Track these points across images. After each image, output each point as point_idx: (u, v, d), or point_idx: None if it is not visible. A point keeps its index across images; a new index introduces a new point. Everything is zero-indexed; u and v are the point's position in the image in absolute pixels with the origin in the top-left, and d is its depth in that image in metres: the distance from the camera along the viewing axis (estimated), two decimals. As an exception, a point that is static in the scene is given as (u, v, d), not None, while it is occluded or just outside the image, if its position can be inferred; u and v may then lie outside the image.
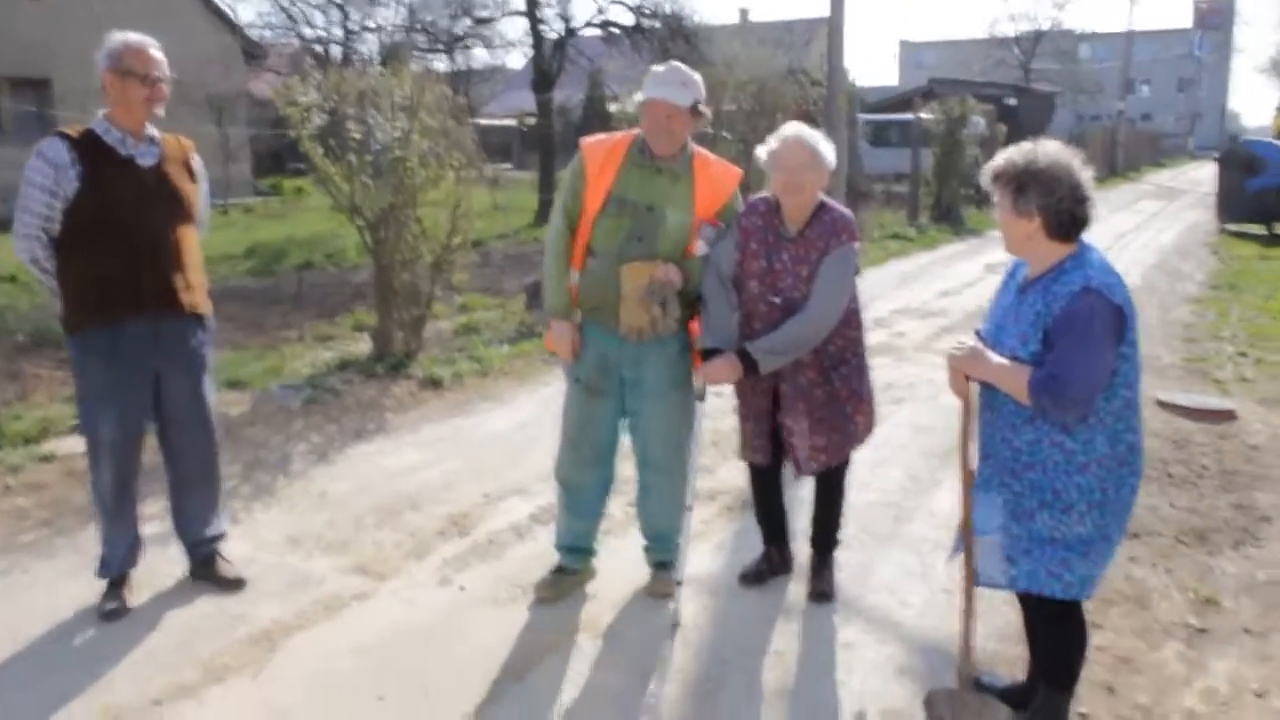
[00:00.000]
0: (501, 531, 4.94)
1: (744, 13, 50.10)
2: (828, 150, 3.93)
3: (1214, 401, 7.02)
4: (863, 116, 21.72)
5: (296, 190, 24.34)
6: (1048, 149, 2.99)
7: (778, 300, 3.93)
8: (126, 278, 4.02)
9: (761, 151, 3.97)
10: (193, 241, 4.26)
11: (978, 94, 24.15)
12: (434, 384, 7.41)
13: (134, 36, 4.07)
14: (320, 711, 3.53)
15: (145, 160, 4.10)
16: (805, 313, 3.84)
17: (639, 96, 4.01)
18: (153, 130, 4.16)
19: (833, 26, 16.03)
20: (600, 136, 4.13)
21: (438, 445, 6.23)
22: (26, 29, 19.97)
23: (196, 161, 4.35)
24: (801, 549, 4.47)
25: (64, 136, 4.00)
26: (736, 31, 36.24)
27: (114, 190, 3.99)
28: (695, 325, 4.10)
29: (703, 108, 3.95)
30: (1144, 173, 41.66)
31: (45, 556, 4.75)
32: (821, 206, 3.95)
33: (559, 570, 4.34)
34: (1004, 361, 3.01)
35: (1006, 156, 3.04)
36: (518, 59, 41.20)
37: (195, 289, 4.24)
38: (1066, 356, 2.86)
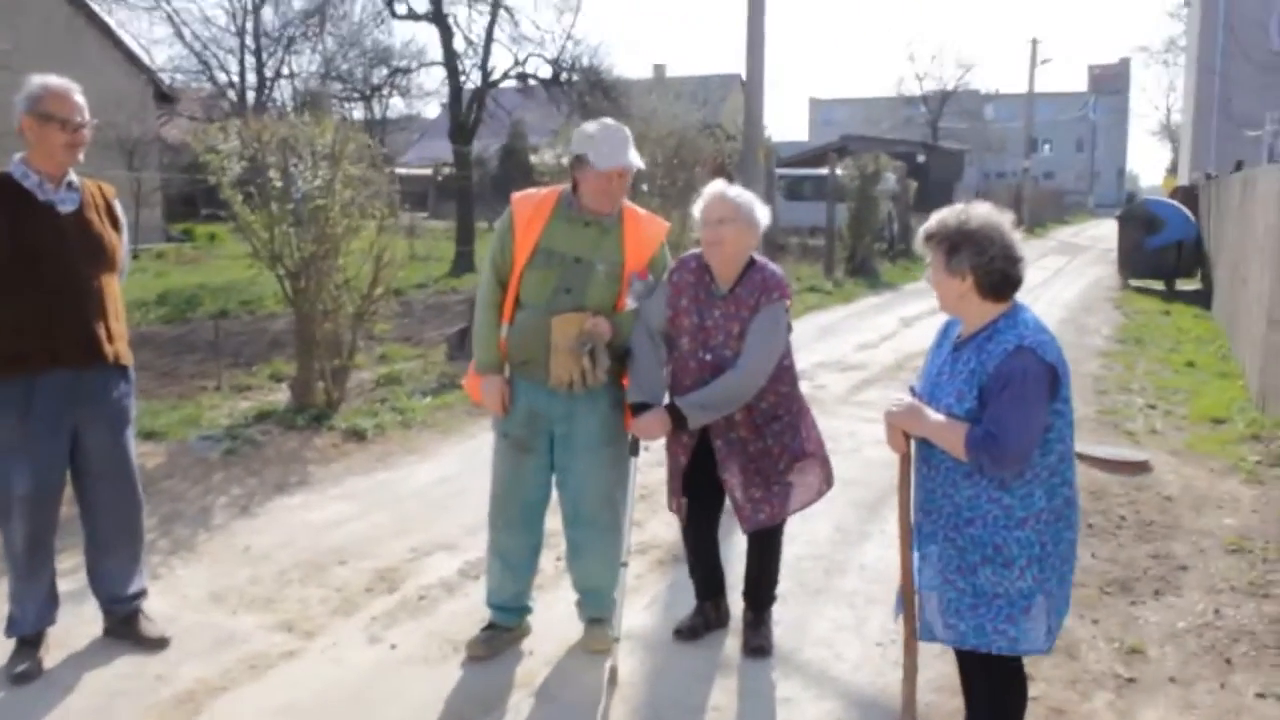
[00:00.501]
0: (431, 587, 4.85)
1: (659, 68, 50.85)
2: (755, 207, 3.96)
3: (1128, 453, 7.19)
4: (778, 170, 22.05)
5: (210, 236, 23.98)
6: (979, 210, 3.05)
7: (709, 358, 3.95)
8: (44, 327, 3.89)
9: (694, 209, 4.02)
10: (114, 289, 4.15)
11: (889, 150, 24.72)
12: (357, 435, 7.29)
13: (55, 80, 3.97)
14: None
15: (65, 206, 3.99)
16: (735, 370, 3.86)
17: (587, 157, 3.91)
18: (72, 176, 4.05)
19: (750, 81, 16.29)
20: (529, 191, 4.15)
21: (362, 498, 6.12)
22: (-72, 68, 19.45)
23: (118, 207, 4.25)
24: (736, 603, 4.47)
25: None
26: (652, 86, 36.74)
27: (32, 236, 3.87)
28: (627, 380, 4.08)
29: (638, 163, 4.01)
30: (1049, 229, 42.91)
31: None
32: (752, 264, 3.99)
33: (491, 627, 4.27)
34: (941, 419, 3.04)
35: (939, 218, 3.08)
36: (434, 108, 41.17)
37: (118, 339, 4.12)
38: (1002, 414, 2.91)
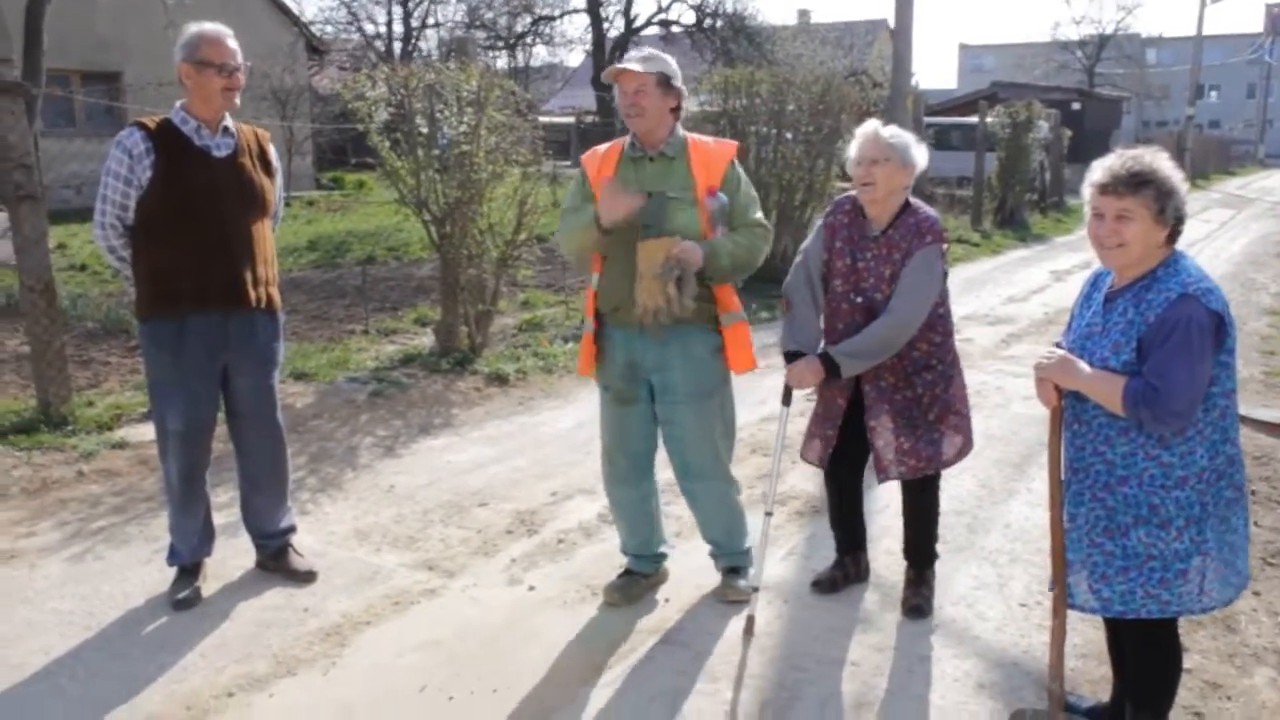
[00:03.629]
0: (570, 531, 4.90)
1: (804, 14, 49.89)
2: (910, 148, 3.84)
3: (1296, 416, 6.83)
4: (925, 119, 21.49)
5: (358, 184, 24.50)
6: (1159, 155, 2.88)
7: (860, 300, 3.87)
8: (195, 269, 4.01)
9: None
10: (265, 234, 4.25)
11: (1042, 98, 23.83)
12: (499, 380, 7.39)
13: (210, 27, 4.06)
14: (389, 708, 3.50)
15: (220, 151, 4.09)
16: (888, 315, 3.76)
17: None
18: (229, 121, 4.15)
19: (899, 27, 15.89)
20: (595, 148, 4.17)
21: (504, 442, 6.20)
22: (99, 24, 20.27)
23: (272, 153, 4.34)
24: (875, 558, 4.40)
25: (141, 126, 4.00)
26: (797, 32, 36.07)
27: (187, 180, 3.98)
28: (730, 306, 4.01)
29: (676, 83, 3.90)
30: (1213, 180, 40.90)
31: (118, 543, 4.78)
32: (906, 207, 3.87)
33: (627, 573, 4.31)
34: (1096, 371, 2.91)
35: (1147, 163, 2.85)
36: (577, 56, 41.21)
37: (266, 283, 4.22)
38: (1164, 366, 2.76)
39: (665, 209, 3.86)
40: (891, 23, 16.00)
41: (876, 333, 3.76)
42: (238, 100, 4.11)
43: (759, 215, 4.00)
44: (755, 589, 3.92)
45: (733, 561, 4.26)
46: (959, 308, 10.64)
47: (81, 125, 21.00)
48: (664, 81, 3.85)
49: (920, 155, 3.85)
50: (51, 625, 4.03)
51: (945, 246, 3.86)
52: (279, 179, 4.36)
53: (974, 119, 20.75)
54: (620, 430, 4.12)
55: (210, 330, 4.06)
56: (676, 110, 3.95)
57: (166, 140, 4.00)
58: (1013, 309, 11.04)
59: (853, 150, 3.88)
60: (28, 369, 7.48)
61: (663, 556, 4.38)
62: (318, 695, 3.56)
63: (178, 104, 4.08)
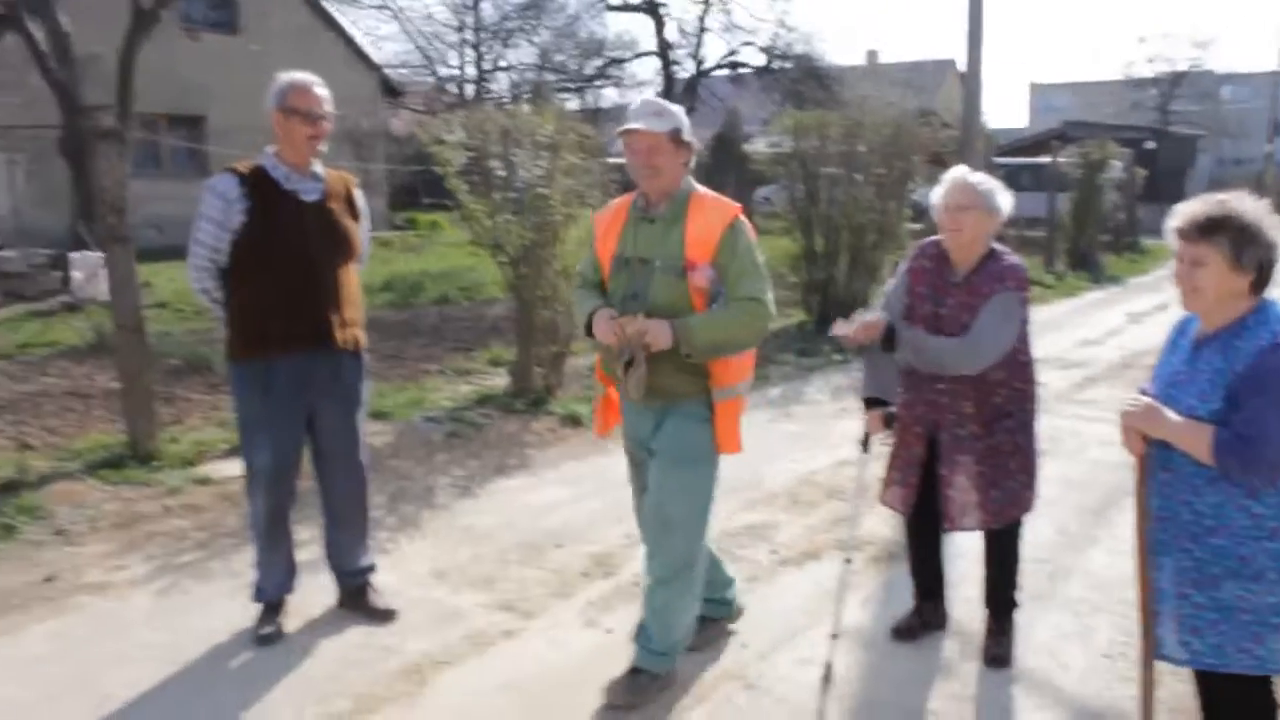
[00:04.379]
0: (646, 574, 4.92)
1: (872, 54, 49.91)
2: (996, 195, 3.84)
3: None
4: (996, 160, 21.37)
5: (431, 224, 24.85)
6: (1246, 200, 2.86)
7: None
8: (284, 311, 4.11)
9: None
10: (352, 277, 4.35)
11: (1115, 137, 23.59)
12: (573, 421, 7.45)
13: (300, 76, 4.18)
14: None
15: (309, 196, 4.20)
16: (958, 340, 3.74)
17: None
18: (317, 166, 4.26)
19: (970, 67, 15.85)
20: (611, 202, 3.98)
21: (579, 483, 6.25)
22: (184, 69, 20.87)
23: (359, 196, 4.45)
24: (954, 605, 4.37)
25: (234, 172, 4.13)
26: (866, 73, 36.10)
27: (277, 224, 4.09)
28: (724, 381, 3.73)
29: (687, 137, 3.68)
30: (1291, 220, 40.05)
31: (202, 578, 4.88)
32: (991, 254, 3.87)
33: (633, 671, 3.87)
34: (1183, 420, 2.88)
35: (1225, 207, 2.82)
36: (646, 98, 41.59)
37: (351, 325, 4.32)
38: (1258, 416, 2.72)
39: (651, 279, 3.63)
40: (960, 63, 15.98)
41: (945, 343, 3.75)
42: (323, 148, 4.23)
43: (757, 288, 3.61)
44: (834, 636, 3.91)
45: (638, 663, 3.84)
46: (1032, 351, 10.53)
47: (167, 167, 21.61)
48: (676, 137, 3.63)
49: (1006, 202, 3.85)
50: (140, 657, 4.13)
51: (1026, 294, 3.84)
52: (365, 222, 4.47)
53: (1045, 159, 20.61)
54: (637, 490, 4.05)
55: (298, 371, 4.15)
56: (687, 165, 3.74)
57: (258, 185, 4.12)
58: (1088, 352, 10.91)
59: (938, 196, 3.89)
60: (116, 405, 7.69)
61: (726, 603, 4.29)
62: (401, 734, 3.61)
63: (269, 149, 4.21)
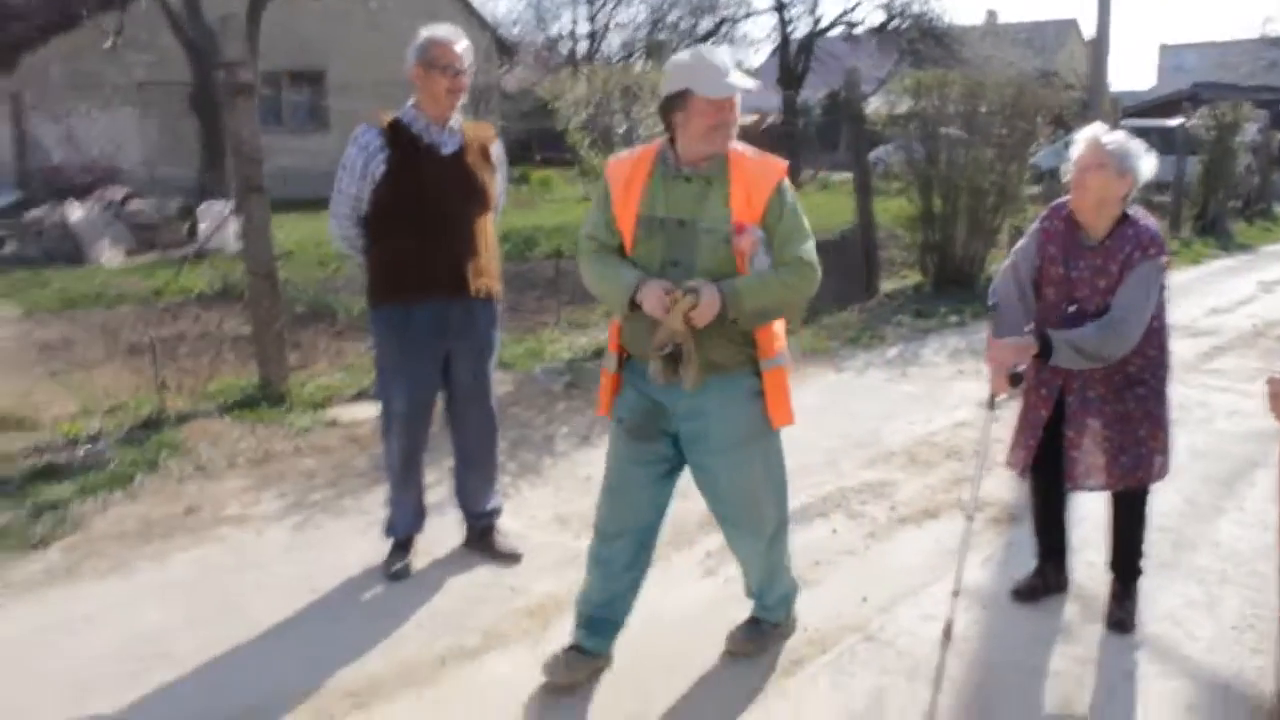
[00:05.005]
0: (765, 526, 4.96)
1: (992, 14, 48.65)
2: (1130, 157, 3.71)
3: None
4: (1123, 123, 20.76)
5: (542, 181, 25.04)
6: None
7: (1072, 310, 3.81)
8: (421, 259, 4.22)
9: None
10: (487, 227, 4.44)
11: (1250, 98, 22.71)
12: (689, 376, 7.50)
13: (441, 32, 4.27)
14: (590, 685, 3.63)
15: (447, 148, 4.29)
16: (1106, 322, 3.67)
17: (691, 90, 3.25)
18: (455, 119, 4.35)
19: (1099, 27, 15.42)
20: (623, 153, 3.61)
21: (697, 437, 6.32)
22: (306, 26, 21.31)
23: (496, 149, 4.53)
24: (1076, 569, 4.34)
25: (375, 124, 4.24)
26: (985, 33, 35.22)
27: (416, 176, 4.20)
28: (770, 351, 3.50)
29: None
30: None
31: (335, 515, 5.07)
32: (1125, 218, 3.79)
33: (573, 649, 3.71)
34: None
35: None
36: (759, 57, 41.19)
37: (486, 273, 4.41)
38: None
39: (696, 244, 3.32)
40: (1082, 22, 15.64)
41: (1098, 334, 3.66)
42: (462, 100, 4.31)
43: (804, 249, 3.40)
44: (955, 593, 3.92)
45: (757, 614, 3.92)
46: (1159, 318, 10.28)
47: (288, 122, 22.13)
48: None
49: (1145, 166, 3.73)
50: (278, 587, 4.32)
51: (1166, 260, 3.76)
52: (501, 174, 4.55)
53: (1174, 121, 19.95)
54: (625, 469, 3.62)
55: (434, 317, 4.27)
56: None
57: (398, 137, 4.22)
58: (1216, 320, 10.60)
59: (1071, 153, 3.82)
60: (244, 349, 8.00)
61: (617, 627, 3.78)
62: (524, 670, 3.71)
63: (408, 103, 4.31)
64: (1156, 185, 20.47)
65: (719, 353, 3.36)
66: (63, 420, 6.36)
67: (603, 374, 3.64)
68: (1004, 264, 4.07)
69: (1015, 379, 3.86)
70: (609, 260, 3.43)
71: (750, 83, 3.33)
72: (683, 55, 3.38)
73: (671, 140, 3.39)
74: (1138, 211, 3.83)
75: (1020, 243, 4.06)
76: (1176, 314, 10.73)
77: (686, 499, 5.22)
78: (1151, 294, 3.71)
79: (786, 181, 3.44)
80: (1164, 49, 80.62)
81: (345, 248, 4.43)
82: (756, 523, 3.65)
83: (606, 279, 3.40)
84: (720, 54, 3.37)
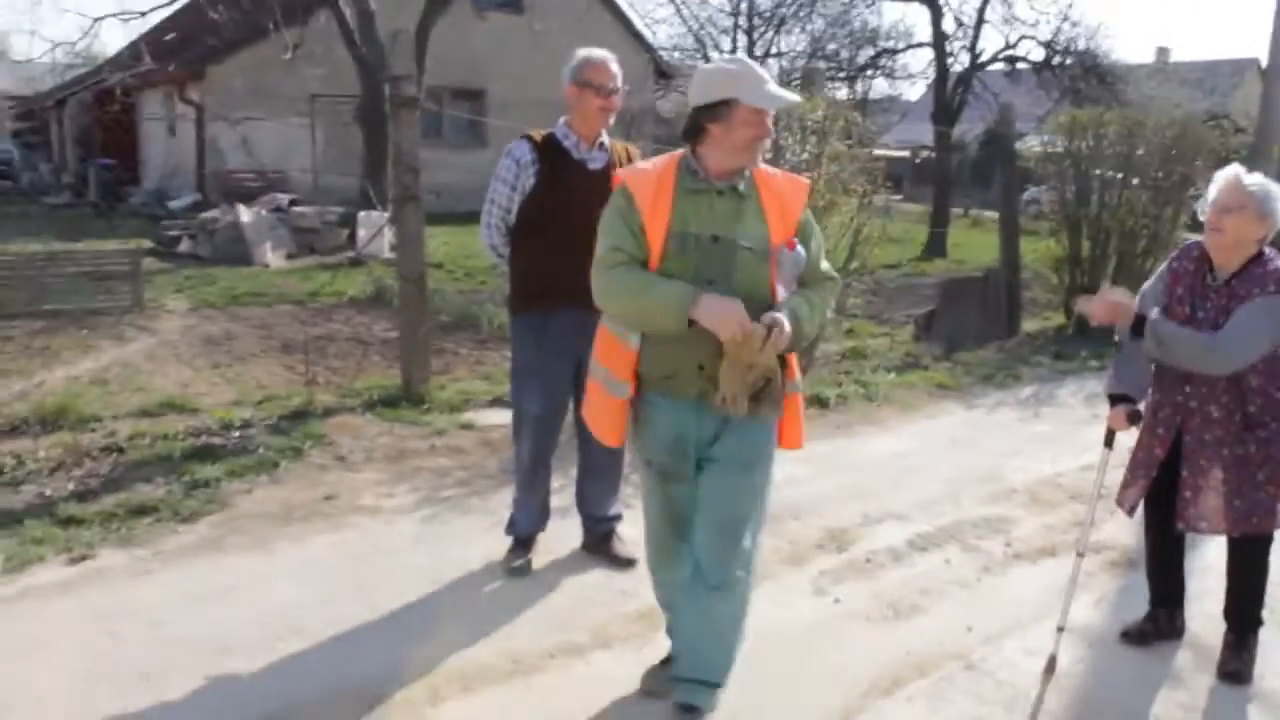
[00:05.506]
0: (878, 551, 5.02)
1: (1163, 51, 47.22)
2: (1271, 199, 3.68)
3: None
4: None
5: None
6: None
7: None
8: (563, 270, 4.37)
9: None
10: None
11: None
12: (820, 403, 7.57)
13: (597, 53, 4.47)
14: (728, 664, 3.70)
15: (595, 164, 4.47)
16: (1209, 337, 3.64)
17: (736, 99, 3.14)
18: (604, 138, 4.54)
19: (1271, 65, 14.85)
20: (637, 164, 3.52)
21: (820, 462, 6.37)
22: (470, 46, 22.08)
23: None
24: (1193, 618, 4.27)
25: (529, 139, 4.46)
26: (1153, 71, 34.23)
27: (564, 189, 4.39)
28: (792, 374, 3.41)
29: None
30: None
31: (462, 512, 5.31)
32: (1258, 258, 3.75)
33: (668, 660, 3.67)
34: None
35: None
36: (917, 90, 40.85)
37: None
38: None
39: (734, 262, 3.19)
40: (1263, 61, 15.00)
41: (1193, 338, 3.64)
42: (612, 119, 4.51)
43: (829, 265, 3.46)
44: (1060, 628, 3.92)
45: (690, 695, 3.45)
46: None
47: (448, 137, 22.88)
48: None
49: None
50: (405, 575, 4.56)
51: None
52: None
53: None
54: (670, 511, 3.49)
55: (571, 326, 4.42)
56: None
57: (549, 152, 4.44)
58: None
59: (1210, 193, 3.80)
60: (390, 352, 8.39)
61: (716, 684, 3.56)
62: (627, 669, 3.85)
63: (561, 120, 4.52)
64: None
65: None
66: (219, 408, 6.78)
67: (605, 399, 3.44)
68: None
69: (1134, 416, 3.85)
70: (645, 274, 3.21)
71: (794, 96, 3.31)
72: (723, 62, 3.33)
73: (693, 151, 3.28)
74: (1273, 252, 3.79)
75: (1148, 283, 4.05)
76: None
77: (800, 520, 5.36)
78: (1265, 327, 3.63)
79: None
80: (1349, 96, 76.79)
81: (493, 255, 4.66)
82: (729, 555, 3.36)
83: (651, 292, 3.14)
84: (759, 65, 3.29)
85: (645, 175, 3.29)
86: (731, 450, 3.33)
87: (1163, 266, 4.01)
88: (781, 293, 3.20)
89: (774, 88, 3.18)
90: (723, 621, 3.42)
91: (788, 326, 3.09)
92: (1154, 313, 3.74)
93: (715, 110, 3.17)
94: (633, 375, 3.35)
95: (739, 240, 3.19)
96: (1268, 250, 3.77)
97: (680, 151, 3.31)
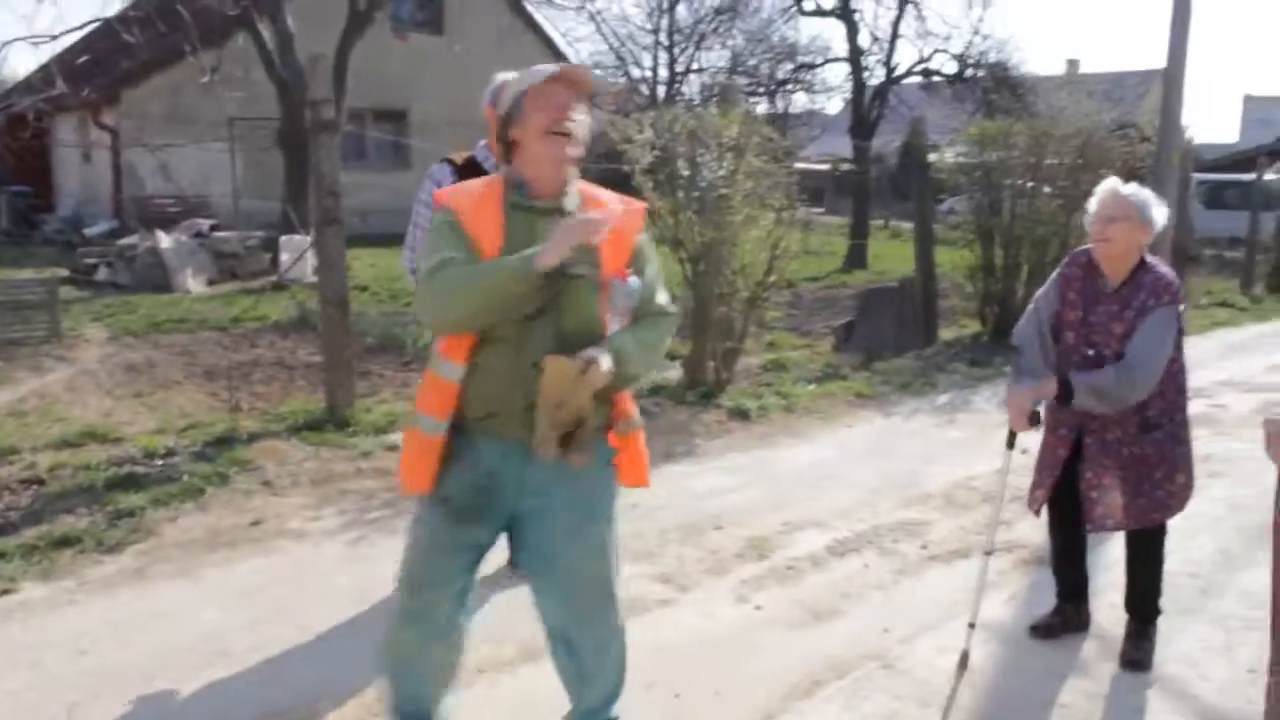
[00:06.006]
0: (799, 559, 5.15)
1: (1072, 63, 48.38)
2: (1149, 207, 3.90)
3: None
4: (1197, 176, 20.62)
5: (614, 222, 25.42)
6: None
7: (1090, 353, 3.97)
8: None
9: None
10: None
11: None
12: (741, 415, 7.72)
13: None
14: (621, 701, 3.83)
15: None
16: (1123, 365, 3.82)
17: (509, 102, 2.93)
18: None
19: (1169, 75, 15.29)
20: (458, 185, 3.12)
21: (741, 473, 6.51)
22: (391, 66, 22.01)
23: None
24: (1098, 610, 4.45)
25: (449, 161, 4.52)
26: (1063, 83, 35.04)
27: None
28: (628, 412, 3.11)
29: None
30: None
31: (388, 533, 5.34)
32: (1142, 265, 3.96)
33: None
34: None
35: None
36: (836, 104, 41.45)
37: None
38: None
39: (567, 292, 2.83)
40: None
41: (1117, 377, 3.80)
42: None
43: (666, 299, 3.07)
44: (971, 625, 4.07)
45: None
46: (1216, 373, 10.29)
47: (371, 159, 22.81)
48: (589, 100, 2.98)
49: (1159, 215, 3.91)
50: (334, 597, 4.60)
51: (1181, 307, 3.92)
52: None
53: (1252, 176, 19.78)
54: (442, 557, 3.05)
55: None
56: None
57: (470, 174, 4.47)
58: (1276, 377, 10.56)
59: (1092, 206, 4.00)
60: (315, 376, 8.38)
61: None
62: (555, 681, 3.89)
63: (481, 143, 4.57)
64: (1230, 241, 20.28)
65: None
66: (142, 436, 6.74)
67: (413, 439, 3.00)
68: (1028, 308, 4.25)
69: (1034, 418, 4.02)
70: (452, 262, 2.81)
71: (577, 71, 2.95)
72: (504, 75, 3.21)
73: (513, 166, 2.98)
74: (1154, 259, 4.00)
75: (1042, 289, 4.23)
76: (1236, 369, 10.78)
77: (722, 530, 5.47)
78: (1167, 339, 3.86)
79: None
80: (1249, 100, 79.13)
81: (413, 280, 4.68)
82: (610, 611, 3.15)
83: (490, 267, 2.77)
84: (593, 72, 3.03)
85: (469, 195, 2.96)
86: (571, 500, 2.98)
87: (1055, 273, 4.19)
88: (613, 326, 2.89)
89: (545, 70, 2.89)
90: (613, 661, 3.23)
91: (605, 364, 2.75)
92: (1074, 375, 3.87)
93: (510, 120, 2.92)
94: (453, 413, 2.93)
95: (571, 268, 2.79)
96: (1148, 257, 3.97)
97: (505, 169, 3.01)
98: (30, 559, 4.87)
